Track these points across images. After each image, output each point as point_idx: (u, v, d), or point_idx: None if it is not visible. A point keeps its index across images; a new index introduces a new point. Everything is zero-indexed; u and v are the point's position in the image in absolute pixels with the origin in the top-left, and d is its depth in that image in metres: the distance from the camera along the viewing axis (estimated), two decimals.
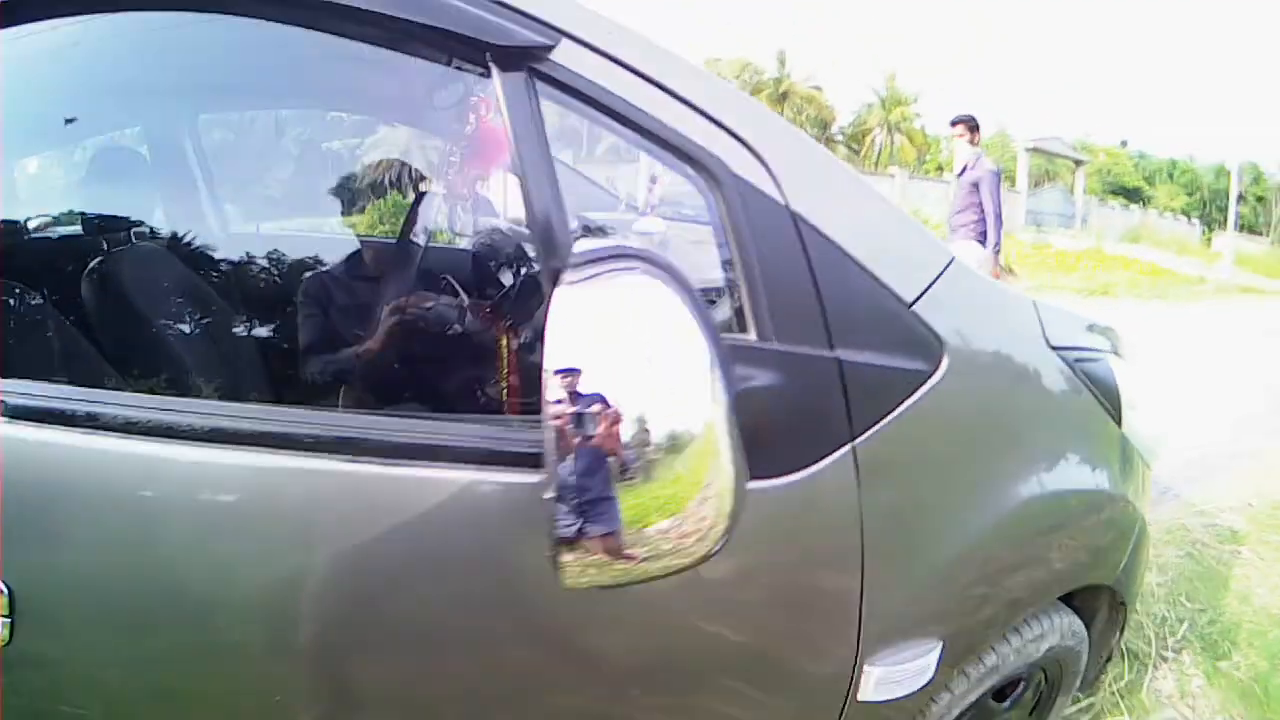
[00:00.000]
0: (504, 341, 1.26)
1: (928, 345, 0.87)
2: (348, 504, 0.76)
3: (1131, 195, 38.75)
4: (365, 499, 0.76)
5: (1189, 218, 35.04)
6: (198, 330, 1.23)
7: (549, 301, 0.57)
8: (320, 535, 0.77)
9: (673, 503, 0.56)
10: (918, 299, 0.86)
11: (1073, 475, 1.11)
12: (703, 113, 0.78)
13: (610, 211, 2.07)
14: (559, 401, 0.54)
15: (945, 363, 0.87)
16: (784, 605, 0.87)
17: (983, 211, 4.93)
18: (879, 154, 30.78)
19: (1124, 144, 47.64)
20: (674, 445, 0.54)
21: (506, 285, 1.44)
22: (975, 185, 4.93)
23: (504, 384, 1.24)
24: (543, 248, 0.72)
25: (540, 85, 0.75)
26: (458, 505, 0.76)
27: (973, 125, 5.05)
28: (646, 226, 1.83)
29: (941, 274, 0.90)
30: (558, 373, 0.54)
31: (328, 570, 0.78)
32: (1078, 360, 1.12)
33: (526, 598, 0.80)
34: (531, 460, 0.73)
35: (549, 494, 0.56)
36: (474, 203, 1.74)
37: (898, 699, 0.94)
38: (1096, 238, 20.76)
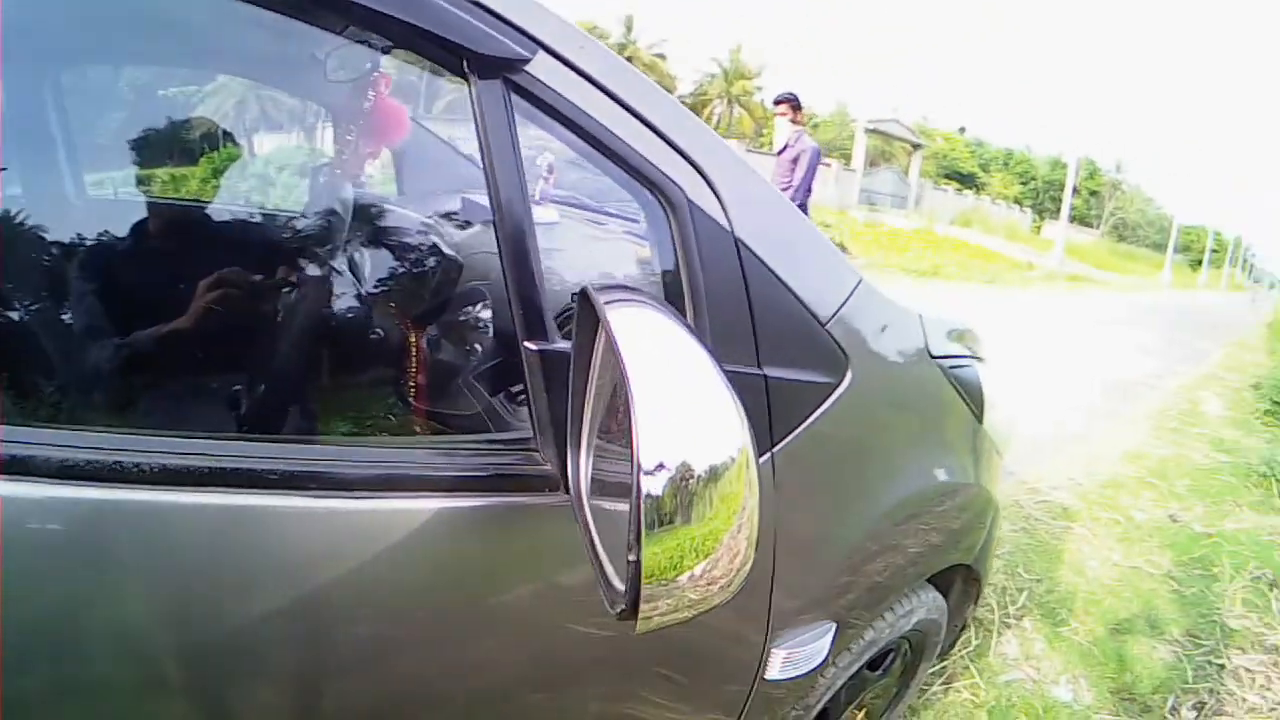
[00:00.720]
0: (412, 338, 1.12)
1: (836, 360, 0.95)
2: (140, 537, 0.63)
3: (966, 181, 41.44)
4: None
5: (1021, 206, 38.06)
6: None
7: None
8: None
9: (709, 540, 0.52)
10: (831, 318, 0.94)
11: (944, 471, 1.25)
12: (664, 137, 0.80)
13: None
14: (658, 469, 0.49)
15: (849, 376, 0.96)
16: None
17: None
18: (717, 125, 31.47)
19: (962, 130, 50.98)
20: (714, 474, 0.51)
21: (396, 271, 1.31)
22: (794, 162, 5.18)
23: (413, 384, 1.13)
24: (511, 263, 0.71)
25: (514, 97, 0.72)
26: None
27: (795, 104, 5.29)
28: (542, 215, 1.83)
29: (851, 294, 0.98)
30: (648, 430, 0.49)
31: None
32: (952, 367, 1.25)
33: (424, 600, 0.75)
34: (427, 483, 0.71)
35: (633, 557, 0.51)
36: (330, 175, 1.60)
37: (797, 676, 1.04)
38: (928, 219, 22.17)
